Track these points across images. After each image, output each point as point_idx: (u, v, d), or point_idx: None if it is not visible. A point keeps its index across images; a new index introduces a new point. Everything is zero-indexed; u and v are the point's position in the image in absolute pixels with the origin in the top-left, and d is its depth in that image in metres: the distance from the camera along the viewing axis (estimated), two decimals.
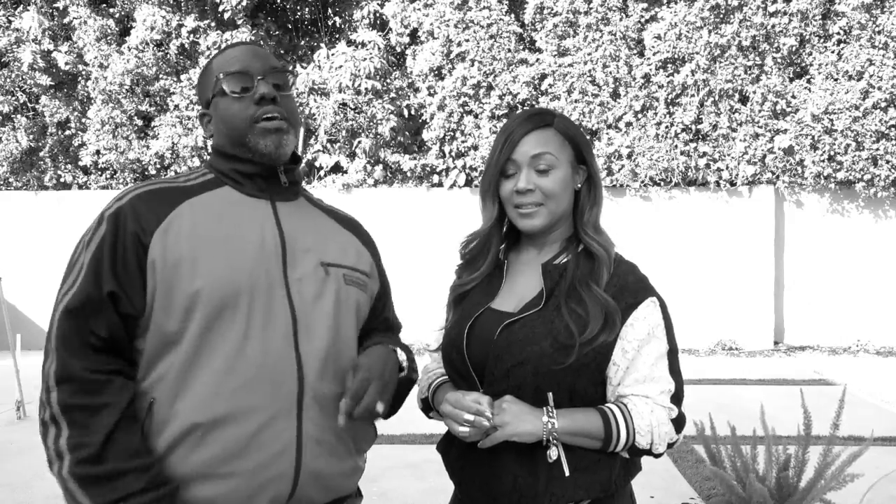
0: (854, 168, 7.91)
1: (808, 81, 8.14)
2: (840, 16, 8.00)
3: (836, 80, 7.96)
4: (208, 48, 8.67)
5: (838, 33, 8.03)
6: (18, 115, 9.36)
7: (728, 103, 8.08)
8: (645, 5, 8.22)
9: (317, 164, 8.83)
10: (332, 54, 8.57)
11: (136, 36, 8.71)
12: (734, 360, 7.83)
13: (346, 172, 8.83)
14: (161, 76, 8.90)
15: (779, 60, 8.09)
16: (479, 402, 1.33)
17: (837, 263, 8.38)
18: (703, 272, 8.29)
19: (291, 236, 1.37)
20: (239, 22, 8.74)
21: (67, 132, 9.31)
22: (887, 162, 7.87)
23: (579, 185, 1.46)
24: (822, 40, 8.11)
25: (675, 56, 8.08)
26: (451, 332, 1.48)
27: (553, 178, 1.41)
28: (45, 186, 9.35)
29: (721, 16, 8.05)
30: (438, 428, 1.45)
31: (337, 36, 9.54)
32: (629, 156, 8.20)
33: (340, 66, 8.38)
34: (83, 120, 9.14)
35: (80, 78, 9.18)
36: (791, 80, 8.23)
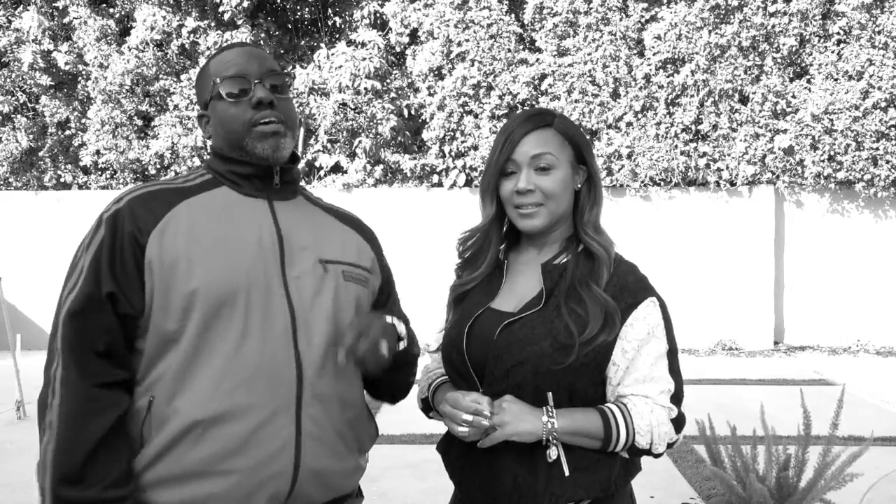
0: (854, 168, 7.91)
1: (808, 81, 8.14)
2: (840, 16, 8.00)
3: (836, 80, 7.97)
4: (208, 48, 8.67)
5: (838, 33, 8.03)
6: (18, 115, 9.36)
7: (728, 103, 8.08)
8: (645, 5, 8.22)
9: (317, 164, 8.83)
10: (332, 54, 8.57)
11: (136, 36, 8.71)
12: (734, 360, 7.84)
13: (346, 172, 8.83)
14: (161, 76, 8.91)
15: (779, 60, 8.09)
16: (477, 401, 1.33)
17: (837, 263, 8.38)
18: (703, 272, 8.29)
19: (289, 235, 1.37)
20: (239, 22, 8.74)
21: (67, 132, 9.32)
22: (887, 162, 7.87)
23: (579, 186, 1.46)
24: (822, 40, 8.12)
25: (675, 56, 8.08)
26: (451, 332, 1.48)
27: (553, 178, 1.41)
28: (44, 186, 9.35)
29: (721, 16, 8.05)
30: (438, 428, 1.45)
31: (337, 36, 9.55)
32: (629, 156, 8.20)
33: (340, 66, 8.38)
34: (83, 120, 9.14)
35: (80, 78, 9.19)
36: (791, 80, 8.23)
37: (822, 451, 2.78)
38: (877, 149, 7.85)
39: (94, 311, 1.23)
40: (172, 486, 1.24)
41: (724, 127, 8.07)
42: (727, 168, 8.20)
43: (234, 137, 1.36)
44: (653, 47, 8.12)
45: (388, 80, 8.77)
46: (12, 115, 9.32)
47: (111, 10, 9.24)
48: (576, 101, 8.16)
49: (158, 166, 8.91)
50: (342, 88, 8.40)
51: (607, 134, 8.25)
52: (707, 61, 7.98)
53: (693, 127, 8.18)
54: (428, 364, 1.62)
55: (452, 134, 8.48)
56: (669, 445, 1.40)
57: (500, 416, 1.31)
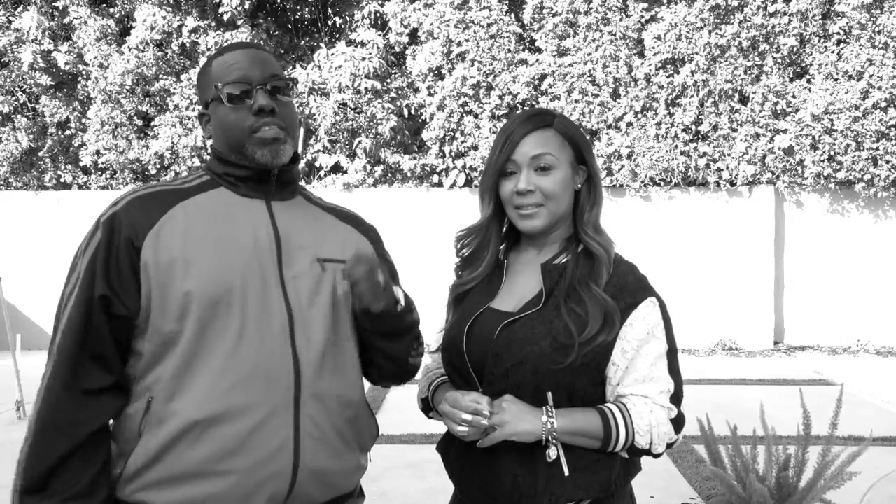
0: (854, 168, 7.91)
1: (808, 81, 8.14)
2: (840, 16, 8.00)
3: (836, 80, 7.97)
4: (208, 48, 8.67)
5: (838, 33, 8.03)
6: (18, 115, 9.36)
7: (728, 103, 8.08)
8: (645, 5, 8.22)
9: (317, 163, 8.83)
10: (332, 54, 8.57)
11: (136, 36, 8.71)
12: (734, 360, 7.83)
13: (346, 172, 8.83)
14: (161, 76, 8.90)
15: (779, 60, 8.09)
16: (477, 401, 1.33)
17: (837, 263, 8.38)
18: (702, 272, 8.29)
19: (286, 234, 1.37)
20: (239, 22, 8.74)
21: (67, 132, 9.31)
22: (887, 162, 7.87)
23: (579, 186, 1.46)
24: (822, 40, 8.11)
25: (675, 56, 8.08)
26: (450, 332, 1.48)
27: (553, 178, 1.41)
28: (44, 186, 9.35)
29: (721, 16, 8.05)
30: (438, 428, 1.45)
31: (337, 36, 9.55)
32: (629, 156, 8.20)
33: (340, 66, 8.38)
34: (83, 120, 9.14)
35: (80, 78, 9.19)
36: (791, 80, 8.23)
37: (822, 450, 2.77)
38: (877, 149, 7.85)
39: (88, 315, 1.24)
40: (171, 486, 1.24)
41: (724, 127, 8.07)
42: (727, 168, 8.20)
43: (234, 142, 1.36)
44: (653, 47, 8.12)
45: (388, 80, 8.77)
46: (12, 115, 9.31)
47: (111, 10, 9.24)
48: (576, 101, 8.16)
49: (158, 166, 8.91)
50: (342, 88, 8.40)
51: (607, 134, 8.25)
52: (707, 61, 7.98)
53: (693, 127, 8.18)
54: (428, 364, 1.62)
55: (452, 134, 8.48)
56: (669, 445, 1.40)
57: (499, 415, 1.31)
